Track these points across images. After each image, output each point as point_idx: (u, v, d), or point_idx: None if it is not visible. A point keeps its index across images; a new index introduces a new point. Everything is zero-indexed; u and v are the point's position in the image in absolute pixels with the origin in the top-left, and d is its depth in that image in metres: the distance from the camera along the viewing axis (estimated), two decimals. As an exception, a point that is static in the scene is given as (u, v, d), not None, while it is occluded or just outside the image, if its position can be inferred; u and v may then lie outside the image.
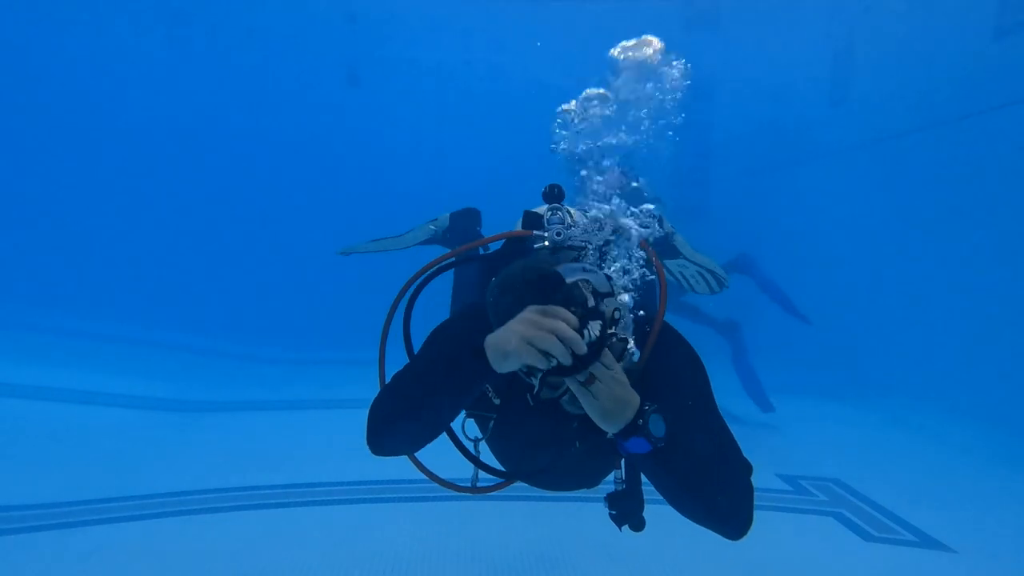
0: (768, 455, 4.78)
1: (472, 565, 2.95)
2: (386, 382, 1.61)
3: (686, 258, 3.07)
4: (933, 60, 7.66)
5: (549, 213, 1.69)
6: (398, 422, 1.47)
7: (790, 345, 9.31)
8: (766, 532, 3.13)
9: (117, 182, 11.98)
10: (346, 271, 12.44)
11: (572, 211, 1.75)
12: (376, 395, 1.53)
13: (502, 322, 1.32)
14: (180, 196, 12.28)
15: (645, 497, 1.77)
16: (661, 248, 3.08)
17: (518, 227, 1.77)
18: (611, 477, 1.81)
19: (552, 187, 1.74)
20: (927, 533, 3.52)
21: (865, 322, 8.47)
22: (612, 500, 1.71)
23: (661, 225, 2.97)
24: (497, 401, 1.61)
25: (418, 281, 1.84)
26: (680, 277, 3.07)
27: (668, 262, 3.08)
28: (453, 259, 1.83)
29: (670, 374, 1.49)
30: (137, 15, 11.66)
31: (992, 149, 6.77)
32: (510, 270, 1.41)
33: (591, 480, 1.91)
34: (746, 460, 1.46)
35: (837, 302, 7.56)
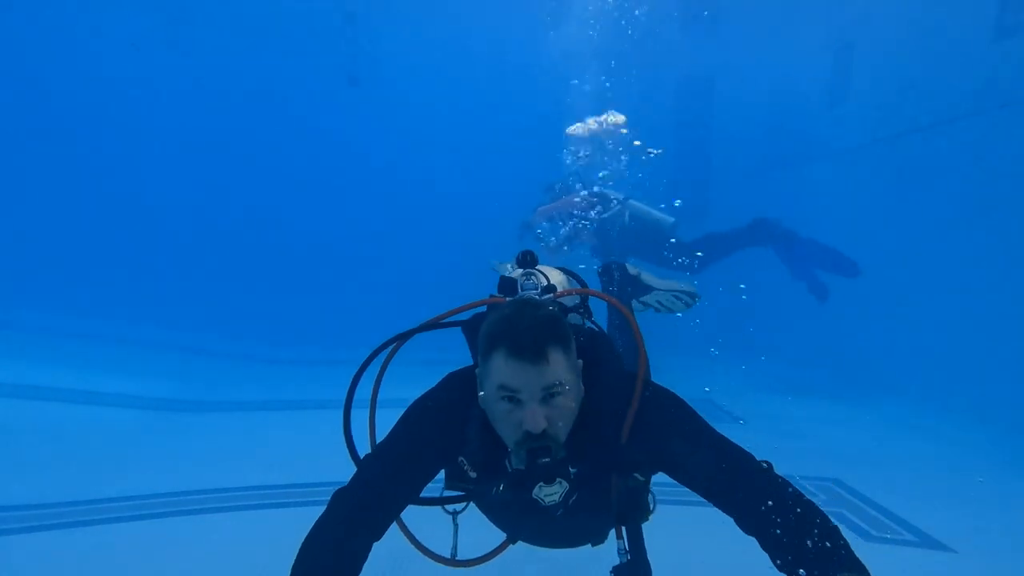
0: (768, 455, 4.76)
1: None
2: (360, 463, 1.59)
3: (656, 288, 3.21)
4: (933, 60, 7.65)
5: (523, 278, 1.76)
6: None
7: (790, 345, 9.31)
8: (766, 532, 3.11)
9: (117, 182, 11.99)
10: (346, 271, 12.46)
11: (546, 273, 1.82)
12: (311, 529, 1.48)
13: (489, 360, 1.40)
14: (180, 196, 12.28)
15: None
16: (633, 288, 3.22)
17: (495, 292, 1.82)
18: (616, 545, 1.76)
19: (525, 254, 1.81)
20: (927, 533, 3.51)
21: (865, 322, 8.46)
22: (619, 573, 1.68)
23: (626, 272, 3.13)
24: (473, 475, 1.58)
25: (386, 351, 1.80)
26: (658, 305, 3.20)
27: (644, 297, 3.21)
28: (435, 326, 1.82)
29: (673, 454, 1.48)
30: (137, 15, 11.66)
31: (992, 149, 6.77)
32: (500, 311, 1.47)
33: (595, 538, 1.91)
34: (775, 475, 1.45)
35: (837, 302, 7.55)
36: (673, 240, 6.82)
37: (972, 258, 6.88)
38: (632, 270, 3.29)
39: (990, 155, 6.77)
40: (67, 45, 11.50)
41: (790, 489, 1.38)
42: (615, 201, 6.85)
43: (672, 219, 6.98)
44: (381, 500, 1.47)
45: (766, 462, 1.46)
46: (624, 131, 8.06)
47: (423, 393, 1.66)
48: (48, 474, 3.96)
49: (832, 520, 1.33)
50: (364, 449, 1.68)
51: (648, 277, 3.28)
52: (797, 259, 6.96)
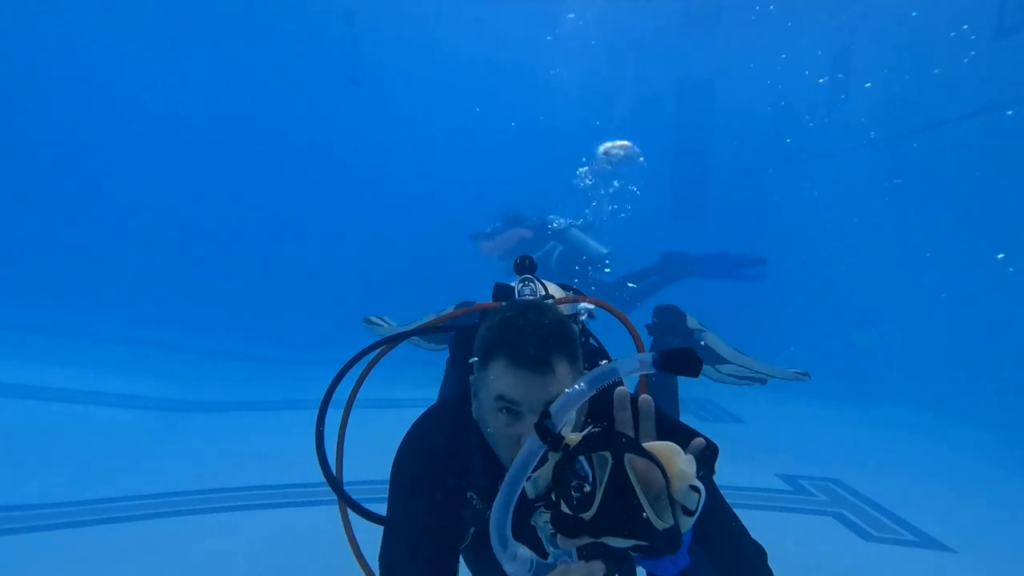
0: (768, 455, 4.77)
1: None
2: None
3: (730, 362, 3.17)
4: (933, 60, 7.65)
5: (520, 285, 1.65)
6: None
7: (790, 345, 9.31)
8: (766, 532, 3.12)
9: (117, 182, 11.98)
10: (346, 271, 12.45)
11: (544, 283, 1.71)
12: None
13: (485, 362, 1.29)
14: (180, 195, 12.28)
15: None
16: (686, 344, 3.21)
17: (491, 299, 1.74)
18: None
19: (524, 259, 1.69)
20: (927, 533, 3.51)
21: (865, 322, 8.47)
22: None
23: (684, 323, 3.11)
24: (481, 507, 1.45)
25: (370, 356, 1.73)
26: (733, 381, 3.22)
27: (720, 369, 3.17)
28: (428, 334, 1.77)
29: None
30: (138, 15, 11.66)
31: (992, 149, 6.77)
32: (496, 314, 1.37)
33: None
34: (759, 545, 1.38)
35: (837, 302, 7.56)
36: (608, 270, 7.01)
37: (972, 258, 6.88)
38: (693, 323, 3.15)
39: (990, 155, 6.78)
40: (67, 45, 11.50)
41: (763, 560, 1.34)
42: (550, 231, 7.11)
43: (606, 250, 7.15)
44: (429, 552, 1.37)
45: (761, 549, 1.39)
46: (642, 159, 8.23)
47: (402, 444, 1.52)
48: (48, 474, 3.96)
49: None
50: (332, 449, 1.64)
51: (717, 342, 3.14)
52: (720, 270, 7.08)
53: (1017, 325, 6.17)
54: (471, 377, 1.40)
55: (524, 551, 1.02)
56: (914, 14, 7.98)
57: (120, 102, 11.92)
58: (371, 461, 2.06)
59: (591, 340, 1.80)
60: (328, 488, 1.75)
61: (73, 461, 4.23)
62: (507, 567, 1.01)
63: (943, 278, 7.22)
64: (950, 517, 3.75)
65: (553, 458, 0.94)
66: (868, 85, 9.21)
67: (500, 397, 1.26)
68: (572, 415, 0.97)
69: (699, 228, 10.46)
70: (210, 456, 4.54)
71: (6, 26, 11.23)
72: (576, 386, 0.94)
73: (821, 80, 10.23)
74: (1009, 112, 6.58)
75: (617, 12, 11.33)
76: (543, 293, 1.65)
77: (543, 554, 1.04)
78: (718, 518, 1.31)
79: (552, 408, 0.95)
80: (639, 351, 1.59)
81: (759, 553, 1.34)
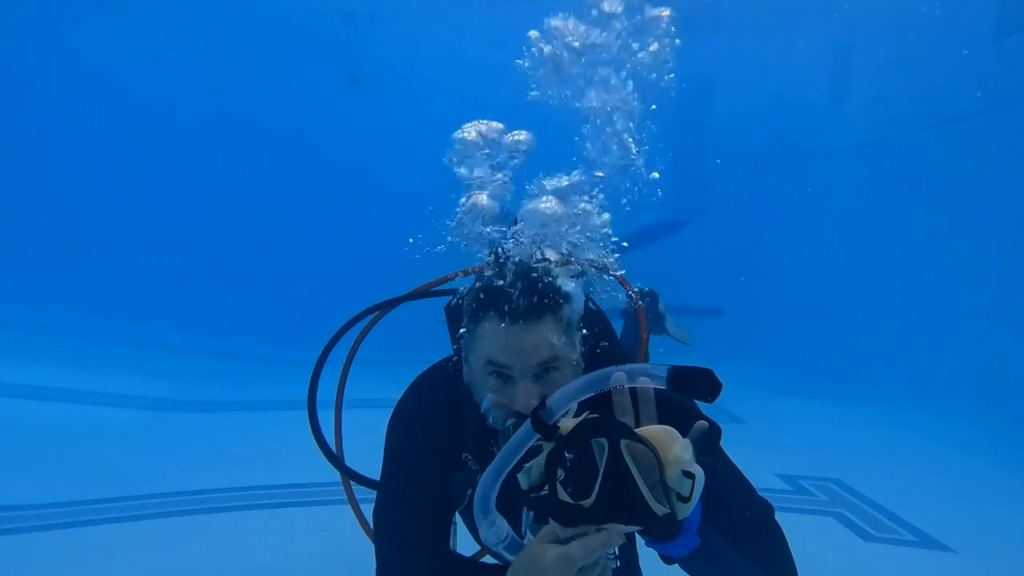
0: (768, 455, 4.77)
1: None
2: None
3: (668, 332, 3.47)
4: (932, 60, 7.65)
5: (513, 246, 1.55)
6: None
7: (790, 345, 9.31)
8: (766, 532, 3.11)
9: (117, 182, 11.98)
10: (347, 270, 12.45)
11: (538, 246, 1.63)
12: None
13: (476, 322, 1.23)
14: (180, 196, 12.28)
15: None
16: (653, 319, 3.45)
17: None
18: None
19: (516, 221, 1.61)
20: (927, 533, 3.51)
21: (865, 322, 8.46)
22: None
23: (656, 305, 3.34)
24: (476, 467, 1.42)
25: (366, 319, 1.70)
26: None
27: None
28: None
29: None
30: (138, 16, 11.66)
31: (992, 149, 6.77)
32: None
33: None
34: (766, 502, 1.32)
35: (837, 302, 7.56)
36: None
37: (972, 258, 6.88)
38: (661, 307, 3.41)
39: (990, 155, 6.78)
40: (68, 45, 11.50)
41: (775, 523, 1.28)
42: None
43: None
44: (420, 511, 1.35)
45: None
46: (635, 152, 8.27)
47: (396, 407, 1.49)
48: (48, 474, 3.96)
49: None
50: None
51: (669, 322, 3.49)
52: (648, 238, 7.33)
53: (1017, 325, 6.17)
54: (461, 341, 1.35)
55: (503, 523, 1.01)
56: (914, 14, 7.98)
57: (120, 102, 11.92)
58: (369, 461, 2.06)
59: (590, 304, 1.71)
60: (329, 487, 1.73)
61: (73, 461, 4.24)
62: (483, 533, 1.00)
63: (943, 277, 7.22)
64: (950, 517, 3.75)
65: (547, 448, 0.92)
66: (867, 85, 9.21)
67: (490, 360, 1.22)
68: (573, 406, 0.95)
69: (699, 228, 10.46)
70: (210, 456, 4.54)
71: (7, 26, 11.23)
72: (577, 383, 0.92)
73: (821, 81, 10.23)
74: (1009, 112, 6.58)
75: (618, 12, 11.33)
76: (537, 256, 1.57)
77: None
78: (733, 502, 1.23)
79: (550, 400, 0.93)
80: (639, 315, 1.57)
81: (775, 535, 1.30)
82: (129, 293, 10.77)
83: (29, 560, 2.91)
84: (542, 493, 0.92)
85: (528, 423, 0.93)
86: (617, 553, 1.41)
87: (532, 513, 1.29)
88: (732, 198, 11.21)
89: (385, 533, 1.39)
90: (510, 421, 1.23)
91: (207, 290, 11.33)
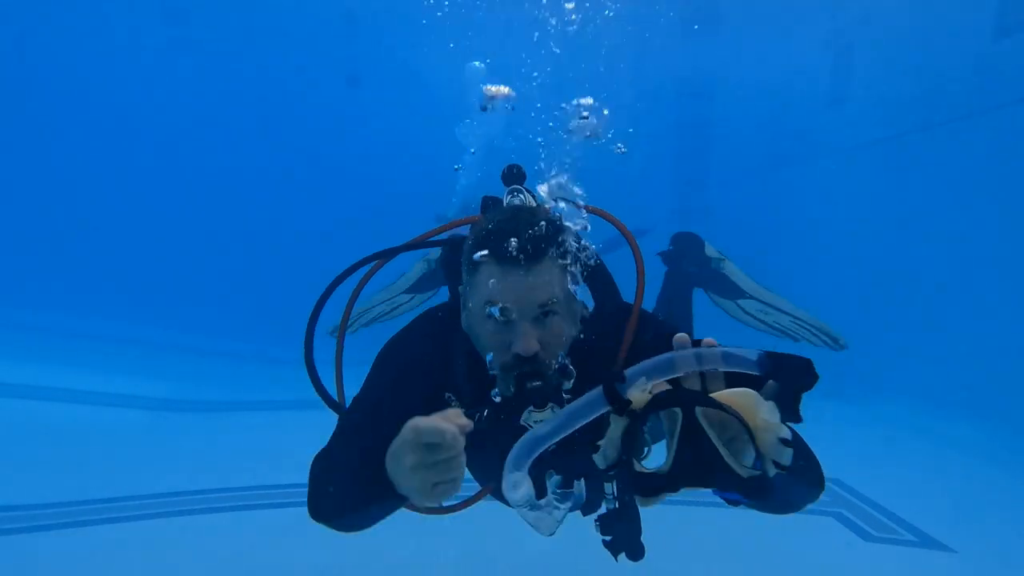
0: (768, 455, 4.77)
1: (474, 571, 2.94)
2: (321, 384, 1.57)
3: (758, 300, 2.81)
4: (933, 60, 7.65)
5: (509, 196, 1.54)
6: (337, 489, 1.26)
7: (789, 345, 9.28)
8: (766, 532, 3.12)
9: (117, 181, 11.99)
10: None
11: (533, 195, 1.59)
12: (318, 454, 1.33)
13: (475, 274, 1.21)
14: (180, 195, 12.28)
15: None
16: (708, 281, 2.87)
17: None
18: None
19: (512, 167, 1.57)
20: (927, 533, 3.51)
21: (865, 321, 8.46)
22: (604, 524, 1.38)
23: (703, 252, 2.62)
24: (457, 406, 1.35)
25: (365, 269, 1.68)
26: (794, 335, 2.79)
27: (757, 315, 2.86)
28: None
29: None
30: (137, 14, 11.66)
31: (992, 149, 6.77)
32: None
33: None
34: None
35: (837, 302, 7.53)
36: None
37: (972, 258, 6.88)
38: (712, 251, 2.80)
39: (990, 155, 6.78)
40: (68, 45, 11.50)
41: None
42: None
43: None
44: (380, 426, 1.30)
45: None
46: (622, 148, 8.19)
47: (386, 343, 1.49)
48: (49, 474, 3.96)
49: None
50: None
51: (737, 274, 2.89)
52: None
53: (1017, 325, 6.16)
54: (460, 287, 1.34)
55: (528, 484, 1.00)
56: (914, 14, 7.98)
57: (118, 101, 11.92)
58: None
59: (590, 260, 1.68)
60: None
61: (73, 461, 4.24)
62: (507, 483, 0.98)
63: (943, 277, 7.22)
64: (950, 517, 3.74)
65: (616, 423, 0.90)
66: (868, 84, 9.21)
67: (489, 302, 1.20)
68: (647, 384, 0.91)
69: (699, 228, 10.44)
70: (210, 456, 4.55)
71: (7, 26, 11.24)
72: (660, 360, 0.87)
73: (821, 79, 10.22)
74: (1009, 112, 6.58)
75: (619, 12, 11.32)
76: (533, 206, 1.54)
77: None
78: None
79: (628, 372, 0.89)
80: (638, 268, 1.50)
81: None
82: (129, 293, 10.77)
83: (29, 560, 2.91)
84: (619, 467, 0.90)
85: (600, 390, 0.90)
86: (614, 492, 1.40)
87: (559, 478, 1.27)
88: (731, 197, 11.20)
89: (341, 434, 1.37)
90: (507, 367, 1.20)
91: (208, 290, 11.33)
